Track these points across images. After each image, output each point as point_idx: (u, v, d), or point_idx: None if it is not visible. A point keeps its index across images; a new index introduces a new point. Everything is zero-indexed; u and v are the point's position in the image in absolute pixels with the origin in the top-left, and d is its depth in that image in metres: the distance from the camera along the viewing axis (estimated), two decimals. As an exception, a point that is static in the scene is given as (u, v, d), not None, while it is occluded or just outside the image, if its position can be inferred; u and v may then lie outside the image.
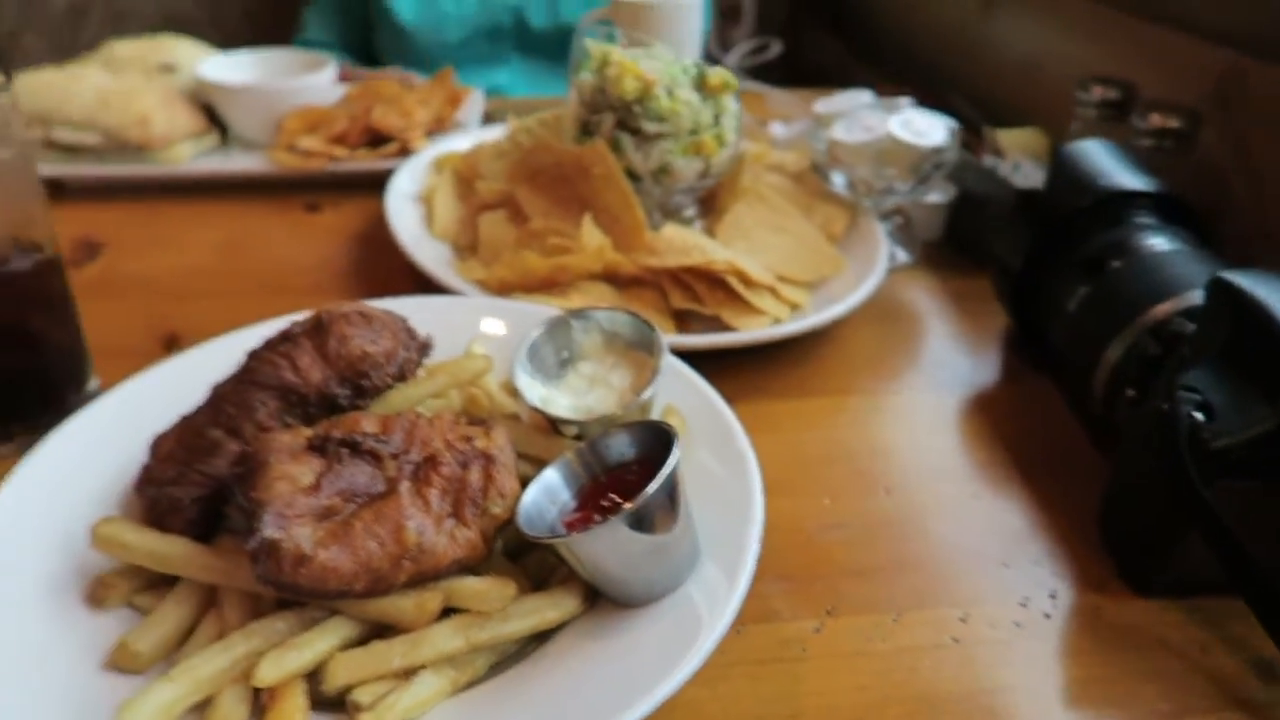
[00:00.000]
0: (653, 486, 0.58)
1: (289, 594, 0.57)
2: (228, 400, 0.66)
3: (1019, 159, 1.27)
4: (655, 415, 0.75)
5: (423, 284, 1.12)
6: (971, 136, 1.36)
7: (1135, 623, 0.74)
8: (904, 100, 1.19)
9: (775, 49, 1.63)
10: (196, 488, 0.64)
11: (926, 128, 1.11)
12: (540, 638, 0.63)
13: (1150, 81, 1.23)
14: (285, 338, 0.69)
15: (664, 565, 0.62)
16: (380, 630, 0.60)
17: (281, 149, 1.47)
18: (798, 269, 1.07)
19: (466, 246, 1.16)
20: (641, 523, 0.59)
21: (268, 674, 0.54)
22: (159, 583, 0.65)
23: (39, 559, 0.66)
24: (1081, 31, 1.52)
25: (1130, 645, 0.72)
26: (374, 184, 1.40)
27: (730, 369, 0.93)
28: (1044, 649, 0.71)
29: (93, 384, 0.94)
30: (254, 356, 0.68)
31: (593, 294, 0.99)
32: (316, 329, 0.68)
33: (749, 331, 0.96)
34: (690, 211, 1.20)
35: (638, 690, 0.56)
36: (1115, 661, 0.70)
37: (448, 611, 0.60)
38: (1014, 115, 1.56)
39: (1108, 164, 0.94)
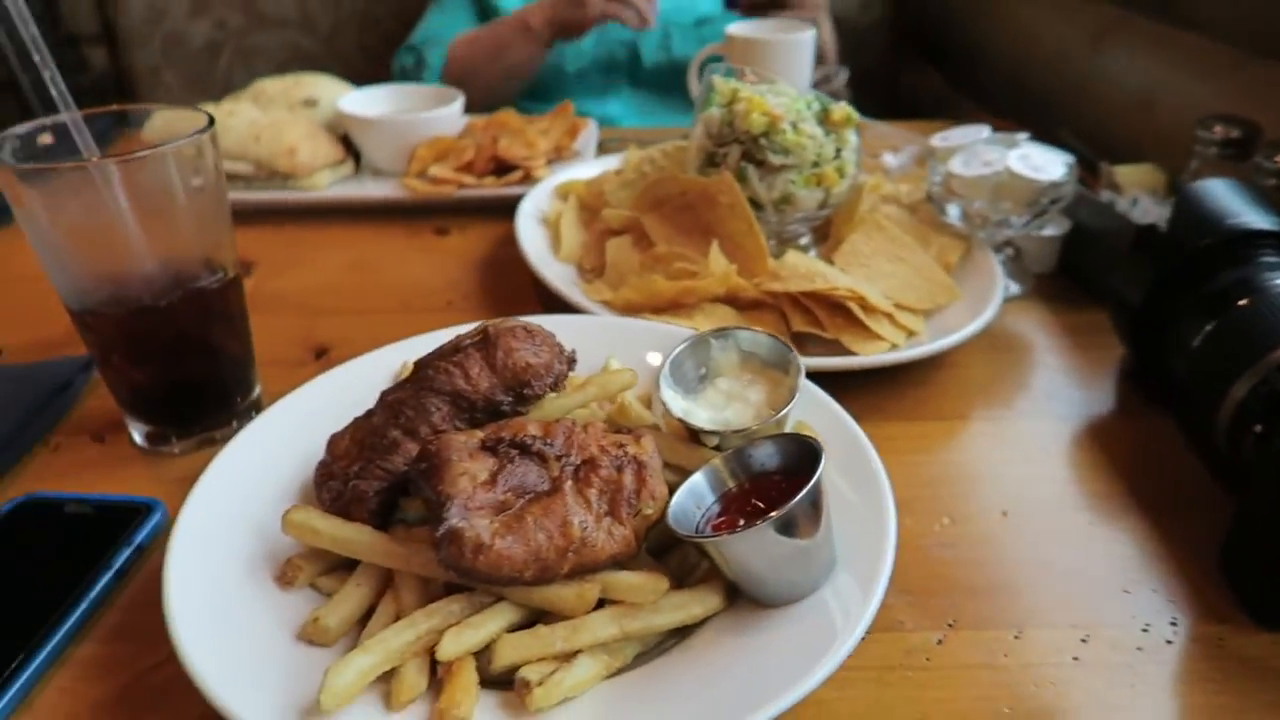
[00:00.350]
0: (802, 494, 0.63)
1: (466, 579, 0.63)
2: (405, 404, 0.73)
3: (1137, 194, 1.28)
4: (789, 430, 0.79)
5: (548, 303, 1.18)
6: (1085, 172, 1.37)
7: (1258, 655, 0.74)
8: (1021, 135, 1.22)
9: (842, 78, 1.67)
10: (378, 481, 0.71)
11: (1044, 163, 1.14)
12: (682, 632, 0.68)
13: (1269, 119, 1.23)
14: (456, 349, 0.75)
15: (804, 569, 0.66)
16: (540, 616, 0.66)
17: (413, 176, 1.57)
18: (914, 297, 1.10)
19: (591, 269, 1.23)
20: (788, 528, 0.64)
21: (449, 649, 0.61)
22: (338, 567, 0.72)
23: (235, 544, 0.73)
24: (1197, 68, 1.52)
25: (1253, 676, 0.73)
26: (499, 210, 1.48)
27: (849, 390, 0.96)
28: (1166, 674, 0.73)
29: (257, 391, 1.03)
30: (428, 366, 0.75)
31: (715, 316, 1.04)
32: (484, 342, 0.75)
33: (873, 355, 0.99)
34: (805, 239, 1.24)
35: (775, 689, 0.61)
36: (1238, 691, 0.71)
37: (602, 602, 0.66)
38: (1126, 150, 1.56)
39: (1233, 202, 0.95)
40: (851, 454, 0.78)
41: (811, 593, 0.67)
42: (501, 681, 0.64)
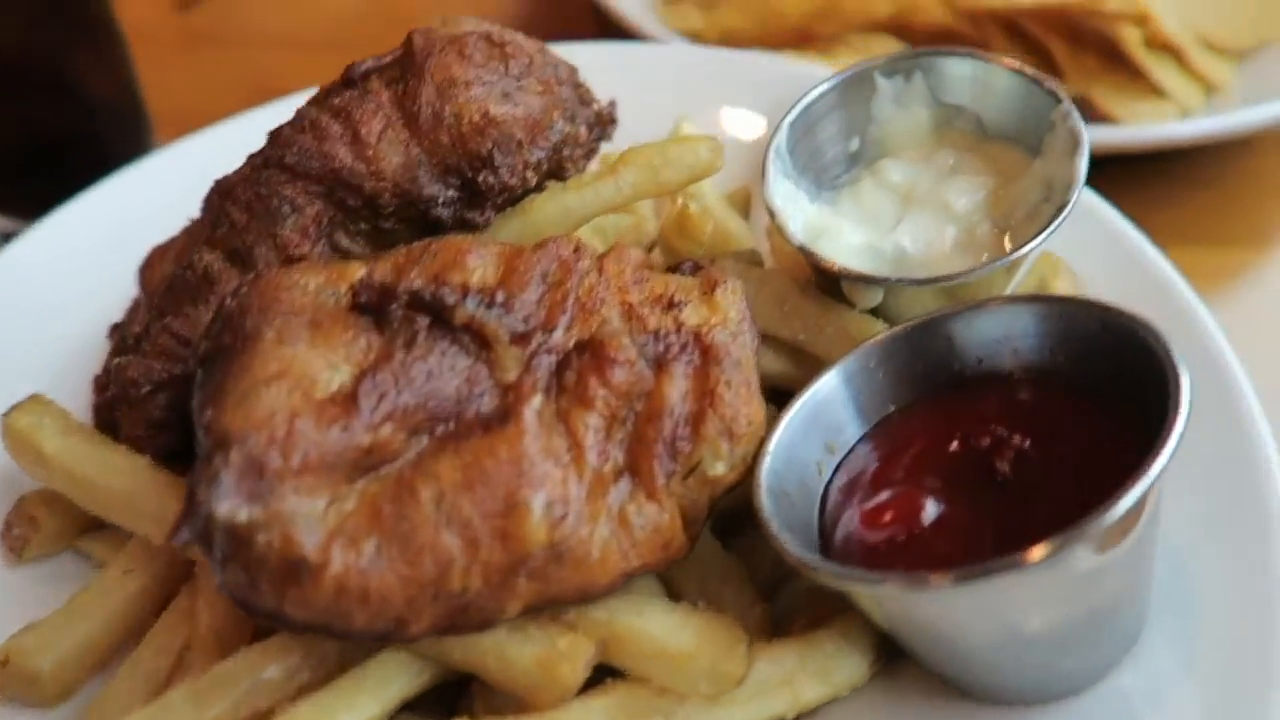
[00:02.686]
0: (1122, 506, 0.24)
1: (278, 625, 0.27)
2: (234, 200, 0.35)
3: None
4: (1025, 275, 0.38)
5: (607, 32, 0.79)
6: None
7: None
8: None
9: None
10: (164, 362, 0.34)
11: None
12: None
13: None
14: (348, 82, 0.36)
15: (1084, 646, 0.28)
16: (469, 681, 0.30)
17: None
18: (1225, 24, 0.66)
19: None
20: (1064, 571, 0.25)
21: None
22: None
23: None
24: None
25: None
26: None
27: (1096, 182, 0.53)
28: None
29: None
30: (291, 123, 0.36)
31: (872, 54, 0.63)
32: (404, 64, 0.35)
33: (1148, 126, 0.58)
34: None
35: None
36: None
37: (601, 674, 0.30)
38: None
39: None
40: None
41: (1089, 685, 0.29)
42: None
